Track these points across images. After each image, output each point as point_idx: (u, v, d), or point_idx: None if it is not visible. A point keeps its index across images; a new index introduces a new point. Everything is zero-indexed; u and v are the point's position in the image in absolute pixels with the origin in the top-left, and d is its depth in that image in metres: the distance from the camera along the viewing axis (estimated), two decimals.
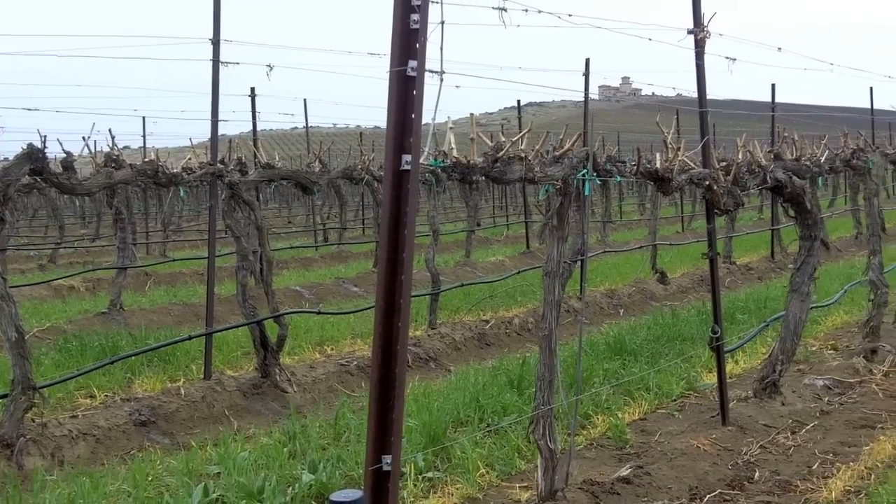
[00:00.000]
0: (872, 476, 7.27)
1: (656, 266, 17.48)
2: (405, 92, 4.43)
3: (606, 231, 25.87)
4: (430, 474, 7.15)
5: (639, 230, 28.72)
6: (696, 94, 8.32)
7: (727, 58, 8.78)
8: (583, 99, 15.04)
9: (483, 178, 5.36)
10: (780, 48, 10.37)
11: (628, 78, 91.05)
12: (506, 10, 5.28)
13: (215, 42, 10.26)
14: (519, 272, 16.32)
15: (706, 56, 8.17)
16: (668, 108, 20.75)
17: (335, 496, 3.84)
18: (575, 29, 6.99)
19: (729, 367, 10.41)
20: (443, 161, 5.11)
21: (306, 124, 26.79)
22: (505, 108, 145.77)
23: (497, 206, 39.40)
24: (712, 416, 8.58)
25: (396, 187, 4.47)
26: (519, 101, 22.58)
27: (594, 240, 23.99)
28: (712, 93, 8.36)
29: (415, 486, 6.92)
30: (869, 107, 25.78)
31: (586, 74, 14.56)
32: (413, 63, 4.41)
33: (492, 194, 38.22)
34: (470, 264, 20.25)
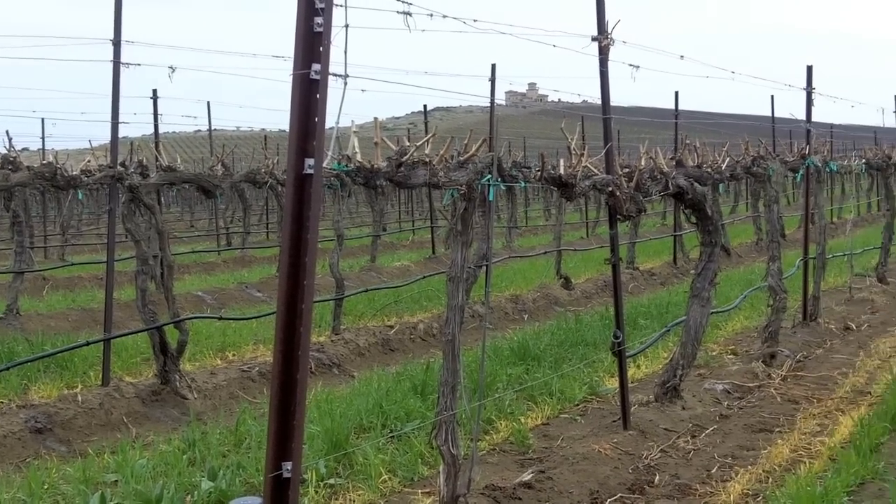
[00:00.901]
0: (770, 479, 7.39)
1: (561, 271, 17.58)
2: (308, 95, 4.39)
3: (512, 236, 25.97)
4: (331, 481, 7.10)
5: (544, 235, 28.89)
6: (601, 101, 8.38)
7: (631, 65, 8.86)
8: (489, 104, 15.11)
9: (387, 182, 5.34)
10: (682, 56, 10.49)
11: (535, 84, 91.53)
12: (410, 14, 5.27)
13: (116, 43, 10.09)
14: (424, 277, 16.32)
15: (610, 63, 8.23)
16: (573, 115, 20.92)
17: (234, 503, 3.79)
18: (483, 34, 6.99)
19: (631, 371, 10.51)
20: (346, 165, 5.07)
21: (209, 127, 26.52)
22: (412, 113, 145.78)
23: (403, 211, 39.37)
24: (614, 421, 8.64)
25: (299, 191, 4.43)
26: (425, 106, 22.58)
27: (500, 245, 24.08)
28: (617, 99, 8.44)
29: (316, 492, 6.87)
30: (770, 115, 26.22)
31: (492, 80, 14.60)
32: (316, 66, 4.37)
33: (398, 199, 38.18)
34: (375, 269, 20.20)
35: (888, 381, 10.20)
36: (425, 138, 5.61)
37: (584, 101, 18.61)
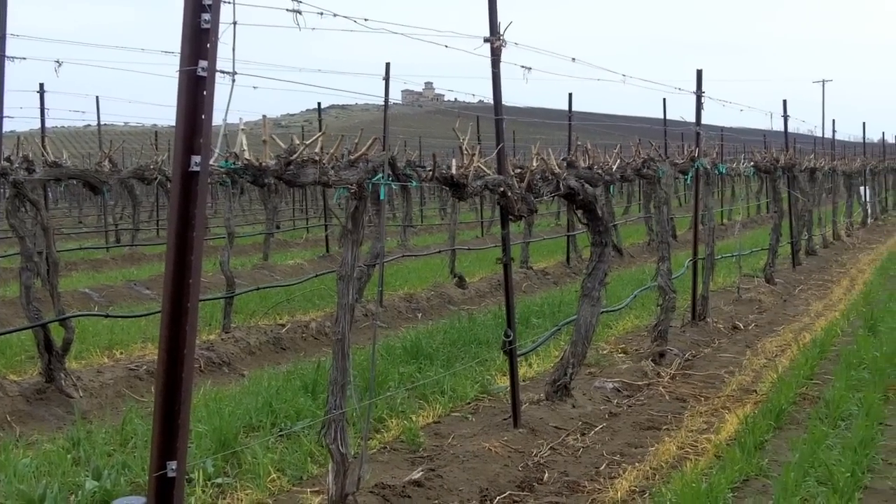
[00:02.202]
0: (657, 476, 7.49)
1: (455, 270, 17.64)
2: (195, 92, 4.36)
3: (407, 235, 25.95)
4: (219, 480, 7.04)
5: (439, 234, 28.95)
6: (493, 102, 8.41)
7: (522, 66, 8.91)
8: (384, 103, 15.08)
9: (276, 180, 5.30)
10: (574, 59, 10.58)
11: (432, 83, 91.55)
12: (300, 12, 5.24)
13: (1, 37, 9.86)
14: (317, 276, 16.23)
15: (503, 64, 8.27)
16: (469, 115, 20.98)
17: (117, 503, 3.75)
18: (377, 34, 6.98)
19: (523, 370, 10.59)
20: (234, 163, 5.02)
21: (98, 122, 26.05)
22: (307, 111, 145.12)
23: (298, 209, 39.13)
24: (505, 419, 8.68)
25: (185, 189, 4.39)
26: (319, 104, 22.49)
27: (395, 244, 24.07)
28: (513, 100, 8.50)
29: (203, 492, 6.81)
30: (662, 117, 26.60)
31: (386, 79, 14.59)
32: (204, 63, 4.34)
33: (293, 197, 37.96)
34: (268, 267, 20.06)
35: (773, 379, 10.41)
36: (315, 136, 5.58)
37: (481, 101, 18.69)
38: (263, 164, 5.16)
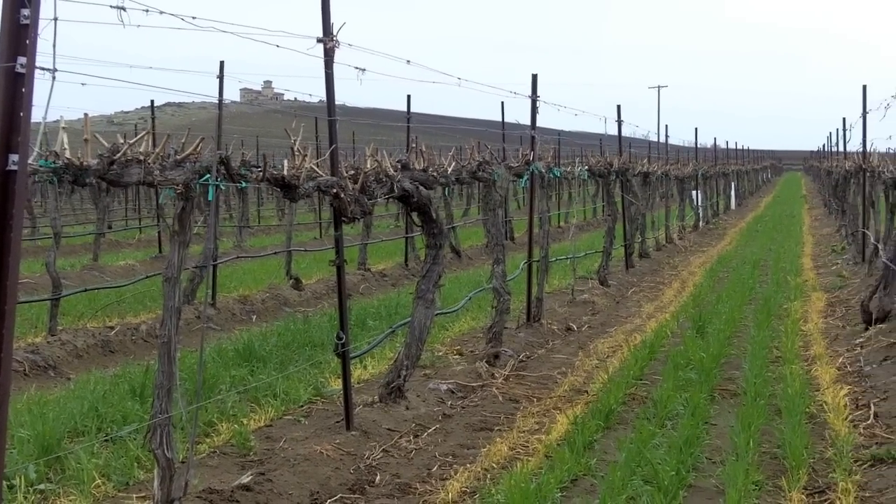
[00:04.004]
0: (488, 476, 7.56)
1: (291, 272, 17.52)
2: (14, 89, 4.25)
3: (243, 236, 25.71)
4: (42, 486, 6.90)
5: (277, 235, 28.70)
6: (326, 102, 8.37)
7: (357, 68, 8.89)
8: (224, 101, 14.89)
9: (98, 180, 5.17)
10: (409, 61, 10.60)
11: (271, 82, 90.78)
12: (125, 9, 5.13)
13: None
14: (148, 277, 15.92)
15: (339, 65, 8.24)
16: (307, 115, 20.83)
17: None
18: (210, 32, 6.86)
19: (358, 372, 10.57)
20: (54, 162, 4.89)
21: None
22: (142, 108, 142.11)
23: (131, 209, 38.34)
24: (337, 422, 8.65)
25: (2, 188, 4.26)
26: (153, 102, 22.05)
27: (231, 245, 23.81)
28: (353, 101, 8.46)
29: (25, 498, 6.65)
30: (501, 121, 26.85)
31: (220, 77, 14.38)
32: (22, 60, 4.24)
33: (125, 196, 37.20)
34: (98, 268, 19.60)
35: (604, 380, 10.62)
36: (140, 135, 5.47)
37: (321, 101, 18.57)
38: (85, 163, 5.03)
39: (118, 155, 5.19)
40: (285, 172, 7.10)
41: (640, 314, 15.85)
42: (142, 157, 5.35)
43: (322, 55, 7.98)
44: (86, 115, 5.40)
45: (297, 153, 7.29)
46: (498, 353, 11.59)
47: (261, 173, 6.85)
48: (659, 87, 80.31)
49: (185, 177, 5.75)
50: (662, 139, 38.06)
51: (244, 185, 6.39)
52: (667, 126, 39.74)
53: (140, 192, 36.49)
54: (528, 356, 12.21)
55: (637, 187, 22.12)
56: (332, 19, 8.04)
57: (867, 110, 20.67)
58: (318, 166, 7.72)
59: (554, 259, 17.03)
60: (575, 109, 20.51)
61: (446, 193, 12.14)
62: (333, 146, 8.02)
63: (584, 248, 21.37)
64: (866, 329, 13.19)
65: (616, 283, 18.90)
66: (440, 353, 11.91)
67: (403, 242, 22.14)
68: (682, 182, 31.87)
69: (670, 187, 30.21)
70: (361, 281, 18.83)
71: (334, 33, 7.99)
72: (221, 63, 14.33)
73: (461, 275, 19.80)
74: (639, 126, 35.61)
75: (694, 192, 34.78)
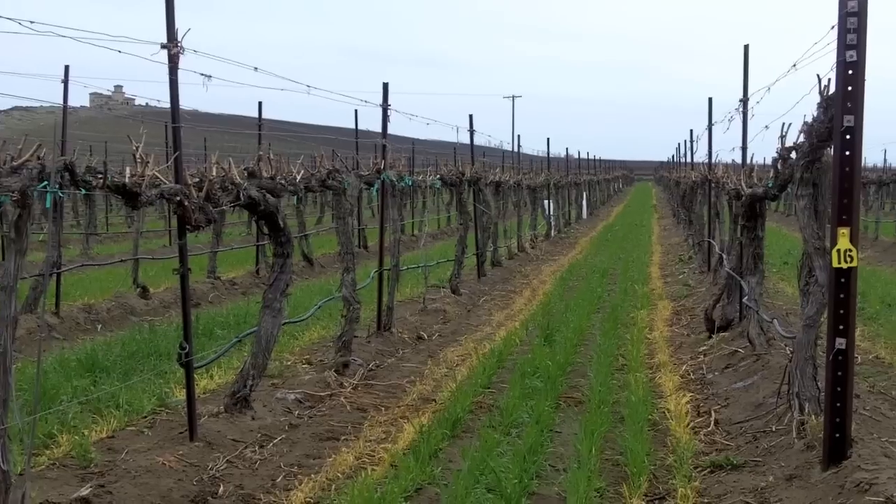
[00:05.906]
0: (333, 487, 7.56)
1: (139, 280, 17.21)
2: None
3: (90, 243, 25.13)
4: None
5: (126, 243, 28.12)
6: (189, 108, 8.28)
7: (202, 74, 8.80)
8: (72, 106, 14.56)
9: None
10: (256, 68, 10.51)
11: (122, 87, 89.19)
12: None
13: None
14: None
15: (185, 71, 8.14)
16: (159, 121, 20.48)
17: None
18: (50, 36, 6.70)
19: (205, 382, 10.46)
20: None
21: None
22: None
23: None
24: (181, 433, 8.52)
25: None
26: None
27: (77, 252, 23.27)
28: (205, 107, 8.36)
29: None
30: (355, 128, 26.82)
31: (65, 81, 14.10)
32: None
33: None
34: None
35: (452, 388, 10.68)
36: None
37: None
38: None
39: None
40: (126, 180, 6.98)
41: (490, 322, 15.99)
42: None
43: (166, 61, 7.86)
44: None
45: (139, 160, 7.17)
46: (347, 363, 11.57)
47: (101, 180, 6.72)
48: (513, 96, 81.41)
49: (22, 184, 5.62)
50: (516, 149, 38.50)
51: (85, 192, 6.27)
52: (520, 136, 40.22)
53: None
54: (378, 365, 12.20)
55: (489, 196, 22.30)
56: (178, 25, 7.94)
57: (713, 122, 21.24)
58: (162, 173, 7.61)
59: (406, 268, 17.08)
60: (427, 119, 20.59)
61: (298, 201, 12.08)
62: (177, 153, 7.91)
63: (437, 257, 21.48)
64: (710, 337, 13.55)
65: (468, 292, 19.03)
66: (289, 363, 11.85)
67: (255, 250, 21.94)
68: (534, 191, 32.27)
69: (523, 196, 30.54)
70: (211, 289, 18.60)
71: (179, 39, 7.88)
72: (66, 67, 14.05)
73: (313, 283, 19.71)
74: (492, 136, 36.16)
75: (546, 202, 35.26)
